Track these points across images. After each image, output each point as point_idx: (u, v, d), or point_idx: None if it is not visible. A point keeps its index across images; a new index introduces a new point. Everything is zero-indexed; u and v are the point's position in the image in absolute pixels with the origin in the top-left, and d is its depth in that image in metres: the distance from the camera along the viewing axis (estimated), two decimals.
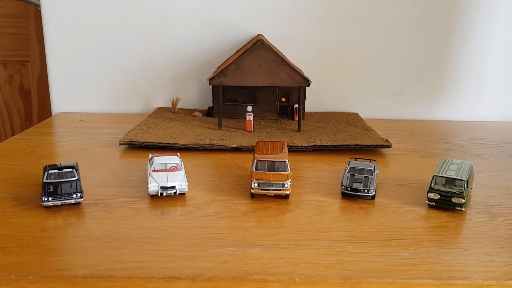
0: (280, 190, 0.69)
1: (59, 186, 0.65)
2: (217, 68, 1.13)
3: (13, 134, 1.56)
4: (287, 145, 0.80)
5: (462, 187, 0.66)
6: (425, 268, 0.52)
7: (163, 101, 1.28)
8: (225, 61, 1.16)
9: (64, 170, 0.68)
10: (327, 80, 1.26)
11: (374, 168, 0.73)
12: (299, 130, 1.05)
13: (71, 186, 0.66)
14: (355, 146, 0.94)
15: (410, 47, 1.25)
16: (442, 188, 0.67)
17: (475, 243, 0.58)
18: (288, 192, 0.70)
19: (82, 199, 0.66)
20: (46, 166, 0.69)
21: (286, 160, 0.70)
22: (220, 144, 0.94)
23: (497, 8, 1.21)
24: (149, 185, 0.69)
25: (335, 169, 0.85)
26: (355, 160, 0.77)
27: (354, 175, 0.71)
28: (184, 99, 1.26)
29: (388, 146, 0.95)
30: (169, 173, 0.71)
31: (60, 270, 0.50)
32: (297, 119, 1.09)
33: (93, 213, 0.64)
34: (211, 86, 1.11)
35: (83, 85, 1.27)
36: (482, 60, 1.25)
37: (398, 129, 1.16)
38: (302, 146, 0.94)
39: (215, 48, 1.24)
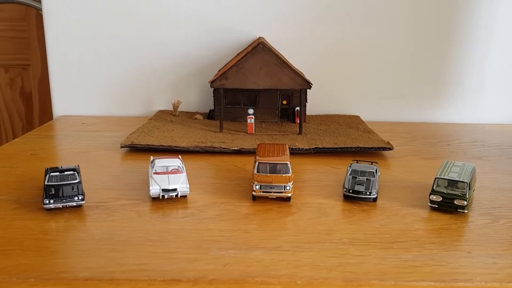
0: (281, 192, 0.69)
1: (61, 189, 0.65)
2: (218, 71, 1.13)
3: (14, 138, 1.56)
4: (289, 148, 0.80)
5: (464, 189, 0.66)
6: (427, 271, 0.52)
7: (164, 104, 1.28)
8: (226, 64, 1.16)
9: (66, 172, 0.68)
10: (328, 82, 1.26)
11: (376, 171, 0.73)
12: (300, 132, 1.05)
13: (73, 189, 0.66)
14: (357, 148, 0.94)
15: (411, 50, 1.25)
16: (444, 190, 0.67)
17: (477, 245, 0.58)
18: (289, 195, 0.69)
19: (83, 202, 0.66)
20: (47, 168, 0.69)
21: (288, 162, 0.70)
22: (222, 146, 0.94)
23: (497, 10, 1.21)
24: (151, 188, 0.69)
25: (337, 172, 0.84)
26: (357, 162, 0.77)
27: (356, 178, 0.71)
28: (185, 102, 1.26)
29: (390, 149, 0.95)
30: (170, 175, 0.71)
31: (61, 273, 0.50)
32: (298, 121, 1.09)
33: (95, 216, 0.64)
34: (212, 89, 1.11)
35: (84, 88, 1.27)
36: (483, 62, 1.26)
37: (399, 131, 1.16)
38: (303, 149, 0.94)
39: (216, 51, 1.24)
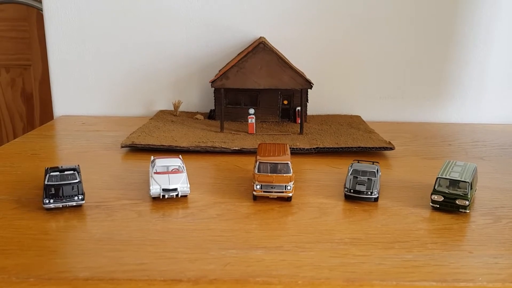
0: (282, 192, 0.69)
1: (61, 188, 0.65)
2: (219, 70, 1.13)
3: (15, 138, 1.56)
4: (290, 148, 0.79)
5: (466, 189, 0.66)
6: (429, 271, 0.52)
7: (165, 104, 1.28)
8: (227, 63, 1.16)
9: (66, 172, 0.67)
10: (329, 82, 1.26)
11: (377, 170, 0.73)
12: (301, 132, 1.05)
13: (73, 188, 0.66)
14: (358, 148, 0.94)
15: (412, 50, 1.25)
16: (446, 190, 0.67)
17: (479, 245, 0.58)
18: (290, 194, 0.69)
19: (83, 202, 0.66)
20: (47, 168, 0.68)
21: (289, 162, 0.70)
22: (222, 146, 0.94)
23: (499, 10, 1.21)
24: (151, 187, 0.69)
25: (338, 172, 0.84)
26: (358, 162, 0.77)
27: (357, 177, 0.71)
28: (186, 102, 1.26)
29: (391, 149, 0.94)
30: (171, 175, 0.70)
31: (61, 273, 0.50)
32: (299, 121, 1.09)
33: (95, 216, 0.64)
34: (213, 88, 1.11)
35: (85, 88, 1.27)
36: (484, 62, 1.25)
37: (400, 131, 1.16)
38: (304, 149, 0.94)
39: (217, 50, 1.24)
